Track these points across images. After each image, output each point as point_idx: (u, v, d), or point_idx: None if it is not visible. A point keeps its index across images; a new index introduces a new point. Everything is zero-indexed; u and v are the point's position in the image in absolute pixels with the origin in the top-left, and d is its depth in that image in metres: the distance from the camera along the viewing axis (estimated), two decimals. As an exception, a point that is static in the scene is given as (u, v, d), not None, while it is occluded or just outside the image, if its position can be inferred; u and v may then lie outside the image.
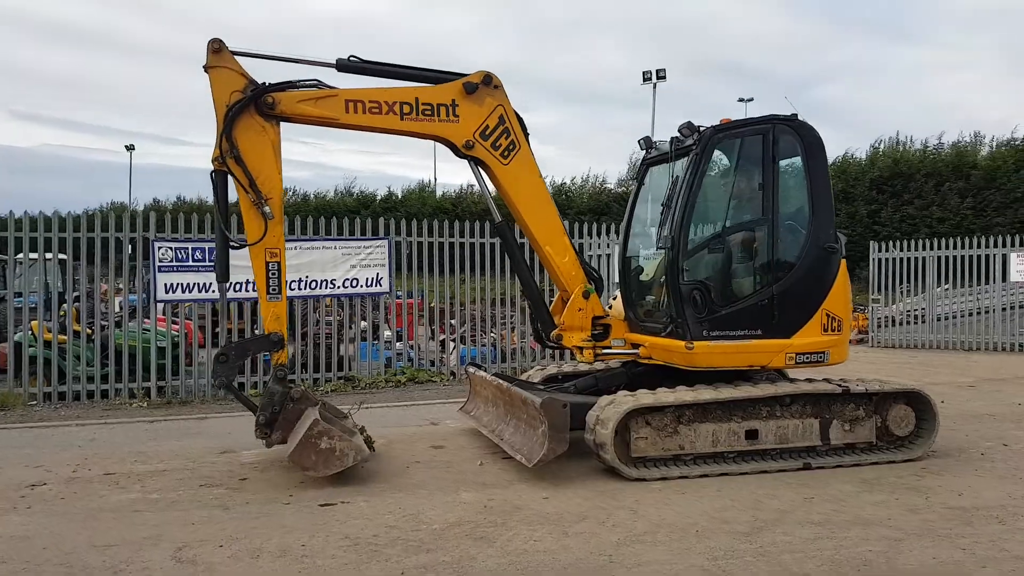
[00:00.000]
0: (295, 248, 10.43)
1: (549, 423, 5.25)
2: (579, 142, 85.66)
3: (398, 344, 11.65)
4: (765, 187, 5.98)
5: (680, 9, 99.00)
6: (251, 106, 5.61)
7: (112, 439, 7.26)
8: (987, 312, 15.30)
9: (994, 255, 15.27)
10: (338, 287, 10.75)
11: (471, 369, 7.55)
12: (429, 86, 6.11)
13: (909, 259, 16.22)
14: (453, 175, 71.89)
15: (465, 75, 6.06)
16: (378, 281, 10.94)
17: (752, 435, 5.73)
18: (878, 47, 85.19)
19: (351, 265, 10.78)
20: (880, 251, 16.50)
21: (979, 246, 15.27)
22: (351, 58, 6.01)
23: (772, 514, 4.68)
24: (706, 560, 3.92)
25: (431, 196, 45.79)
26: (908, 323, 16.44)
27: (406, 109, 5.96)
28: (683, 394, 5.60)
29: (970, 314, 15.52)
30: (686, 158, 6.08)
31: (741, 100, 42.68)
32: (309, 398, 5.79)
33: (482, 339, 12.31)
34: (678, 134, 6.19)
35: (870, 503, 4.90)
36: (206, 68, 5.63)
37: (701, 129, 6.05)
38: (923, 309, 16.18)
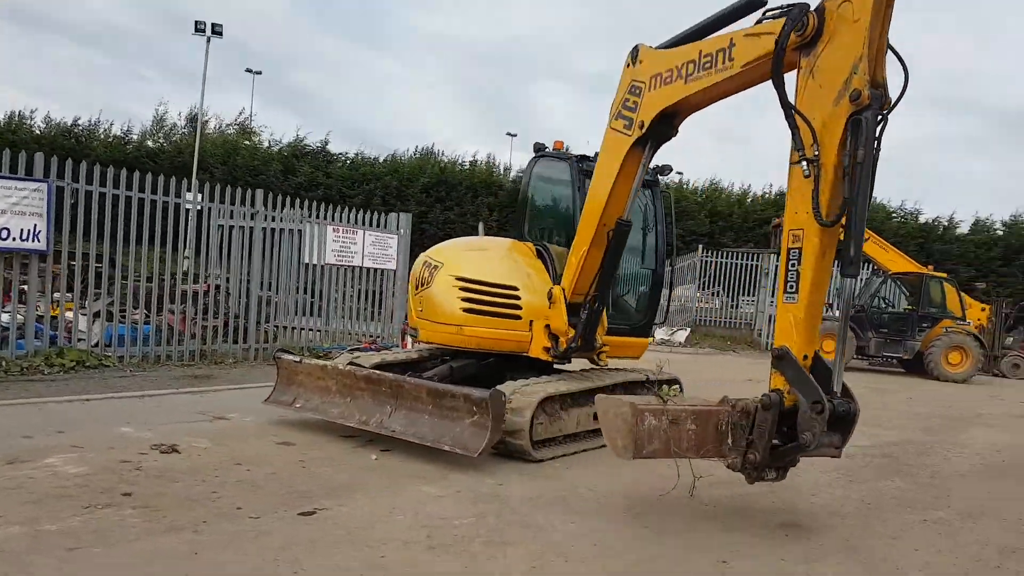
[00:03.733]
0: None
1: (493, 414, 5.37)
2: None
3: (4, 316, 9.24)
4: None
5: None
6: None
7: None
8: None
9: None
10: (-17, 237, 8.19)
11: (286, 356, 6.82)
12: None
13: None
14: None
15: None
16: (35, 235, 8.64)
17: (597, 416, 6.69)
18: (351, 48, 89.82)
19: (0, 210, 8.32)
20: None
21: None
22: None
23: (679, 482, 5.70)
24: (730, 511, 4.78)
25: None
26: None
27: None
28: (573, 383, 6.29)
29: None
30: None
31: (249, 71, 41.96)
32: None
33: (133, 315, 10.50)
34: None
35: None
36: None
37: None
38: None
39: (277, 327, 11.85)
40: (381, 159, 34.11)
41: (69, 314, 9.67)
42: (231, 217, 11.04)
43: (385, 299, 13.16)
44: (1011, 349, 19.97)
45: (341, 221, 12.29)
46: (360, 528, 4.11)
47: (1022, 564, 4.39)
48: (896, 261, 18.82)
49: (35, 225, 8.58)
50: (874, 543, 4.56)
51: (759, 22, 4.65)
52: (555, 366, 7.25)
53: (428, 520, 4.32)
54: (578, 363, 7.11)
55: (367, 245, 12.67)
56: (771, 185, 33.76)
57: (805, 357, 4.31)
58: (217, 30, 34.09)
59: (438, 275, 6.73)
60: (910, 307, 17.98)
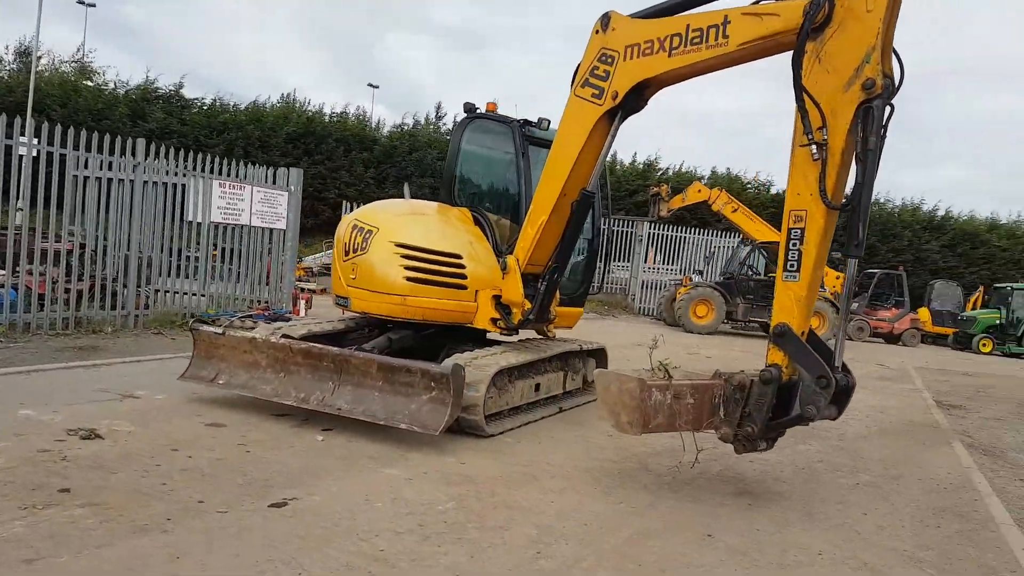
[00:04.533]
0: None
1: (454, 389, 5.18)
2: None
3: None
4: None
5: None
6: None
7: None
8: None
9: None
10: None
11: (205, 328, 6.24)
12: None
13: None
14: None
15: None
16: None
17: (537, 388, 6.65)
18: None
19: None
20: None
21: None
22: None
23: (625, 454, 5.79)
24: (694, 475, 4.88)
25: None
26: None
27: None
28: (522, 355, 6.18)
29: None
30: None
31: (81, 3, 38.22)
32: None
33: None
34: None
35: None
36: None
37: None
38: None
39: (156, 291, 10.89)
40: (242, 106, 31.97)
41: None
42: (88, 167, 9.83)
43: (275, 261, 12.42)
44: (856, 314, 21.91)
45: (229, 176, 11.41)
46: (342, 519, 3.84)
47: (957, 523, 4.81)
48: (762, 231, 20.00)
49: None
50: (828, 509, 4.83)
51: (756, 2, 4.64)
52: (488, 336, 7.14)
53: (409, 507, 4.11)
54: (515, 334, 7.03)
55: (255, 202, 11.86)
56: (635, 154, 34.88)
57: (803, 334, 4.40)
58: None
59: (374, 240, 6.34)
60: (774, 274, 19.21)
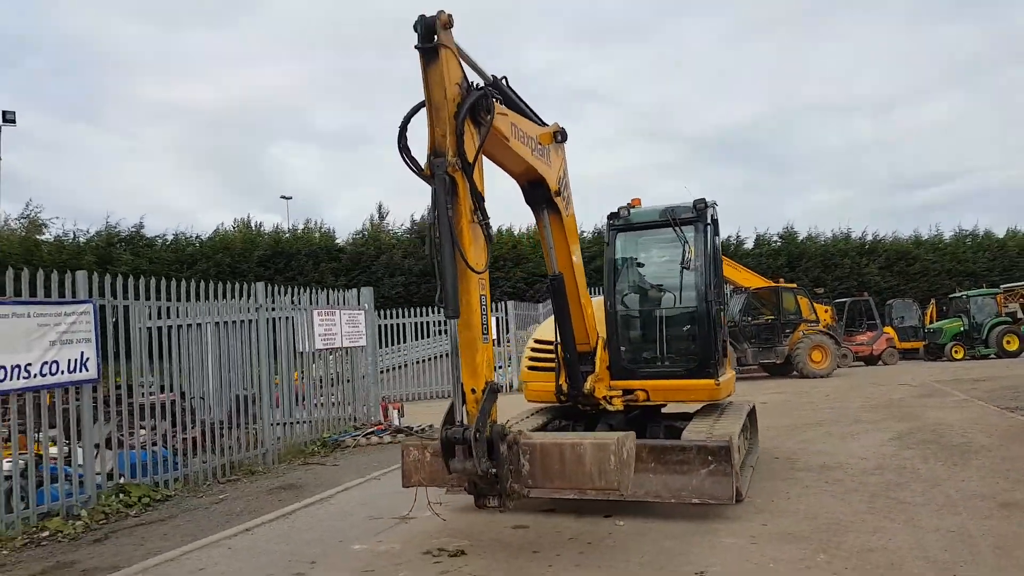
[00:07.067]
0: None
1: (734, 459, 6.00)
2: None
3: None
4: (714, 254, 7.69)
5: None
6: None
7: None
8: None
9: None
10: (35, 375, 7.21)
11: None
12: (537, 125, 6.04)
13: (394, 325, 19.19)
14: None
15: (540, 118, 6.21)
16: (83, 364, 7.75)
17: (739, 449, 7.50)
18: (56, 125, 66.81)
19: (51, 341, 7.40)
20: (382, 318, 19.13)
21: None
22: (503, 78, 5.56)
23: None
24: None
25: None
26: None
27: (532, 144, 5.80)
28: (735, 419, 7.17)
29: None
30: (690, 226, 7.47)
31: None
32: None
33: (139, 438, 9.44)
34: (691, 205, 7.50)
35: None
36: (429, 47, 4.56)
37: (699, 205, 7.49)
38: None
39: (271, 425, 11.18)
40: (204, 237, 32.12)
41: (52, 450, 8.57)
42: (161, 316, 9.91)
43: (366, 378, 12.92)
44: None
45: (318, 304, 11.96)
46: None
47: None
48: (750, 279, 21.63)
49: (82, 353, 7.70)
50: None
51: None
52: (662, 410, 7.98)
53: (797, 564, 4.87)
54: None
55: (343, 324, 12.43)
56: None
57: (473, 391, 4.72)
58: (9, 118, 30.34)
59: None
60: (771, 317, 20.75)
